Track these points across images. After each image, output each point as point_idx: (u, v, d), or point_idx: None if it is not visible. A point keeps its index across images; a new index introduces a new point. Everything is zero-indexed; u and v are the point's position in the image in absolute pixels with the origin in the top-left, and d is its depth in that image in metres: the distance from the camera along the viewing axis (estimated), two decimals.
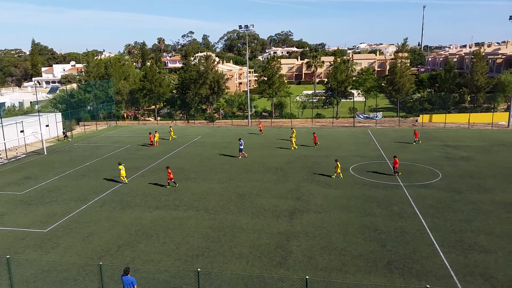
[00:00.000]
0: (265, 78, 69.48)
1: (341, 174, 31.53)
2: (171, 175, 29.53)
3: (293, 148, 41.97)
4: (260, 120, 67.16)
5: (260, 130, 54.58)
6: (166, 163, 37.35)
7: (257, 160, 38.15)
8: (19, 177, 33.54)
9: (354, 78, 75.31)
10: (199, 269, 14.85)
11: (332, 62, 70.96)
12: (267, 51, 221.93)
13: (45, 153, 42.53)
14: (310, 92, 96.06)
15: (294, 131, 46.35)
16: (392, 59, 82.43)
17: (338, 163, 31.36)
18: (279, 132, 54.96)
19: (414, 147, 42.61)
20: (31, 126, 49.84)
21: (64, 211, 25.34)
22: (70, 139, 51.24)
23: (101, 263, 15.56)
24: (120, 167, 31.08)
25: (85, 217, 24.26)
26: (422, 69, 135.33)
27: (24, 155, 42.24)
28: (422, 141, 45.64)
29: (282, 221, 22.96)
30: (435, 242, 19.94)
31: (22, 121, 48.85)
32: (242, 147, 38.60)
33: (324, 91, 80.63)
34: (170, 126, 48.60)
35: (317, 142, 43.69)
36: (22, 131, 47.99)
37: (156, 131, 47.33)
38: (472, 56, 68.98)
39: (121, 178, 30.73)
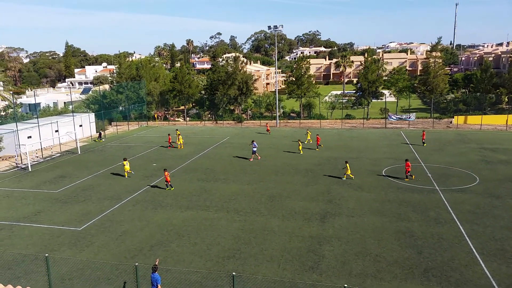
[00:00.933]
0: (294, 79, 69.13)
1: (351, 175, 31.35)
2: (168, 178, 29.49)
3: (302, 152, 41.04)
4: (288, 120, 66.88)
5: (267, 130, 55.65)
6: (196, 164, 37.71)
7: (286, 161, 38.00)
8: (54, 176, 34.61)
9: (385, 78, 73.87)
10: (234, 273, 14.77)
11: (362, 62, 69.95)
12: (294, 51, 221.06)
13: (79, 152, 43.75)
14: (339, 92, 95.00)
15: (309, 132, 45.62)
16: (424, 58, 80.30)
17: (347, 165, 31.29)
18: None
19: (450, 149, 41.29)
20: (65, 126, 51.45)
21: (98, 210, 25.89)
22: (103, 139, 52.54)
23: (136, 263, 15.73)
24: (125, 162, 33.11)
25: (119, 216, 24.71)
26: (455, 69, 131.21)
27: (59, 154, 43.59)
28: (457, 143, 44.18)
29: (313, 224, 22.68)
30: (474, 250, 19.16)
31: (57, 121, 50.48)
32: (255, 149, 38.11)
33: (354, 91, 79.58)
34: (177, 130, 46.24)
35: (320, 144, 43.11)
36: (57, 131, 49.58)
37: (179, 133, 46.85)
38: (510, 55, 66.22)
39: (126, 172, 33.09)
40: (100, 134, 52.82)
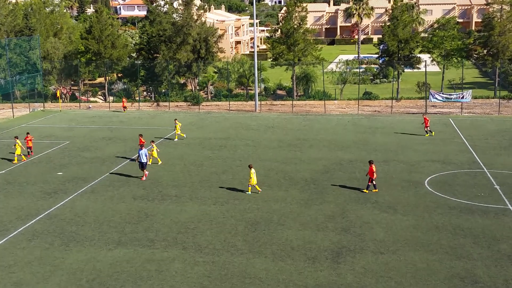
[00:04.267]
0: (281, 35, 69.25)
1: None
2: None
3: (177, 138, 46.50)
4: (273, 102, 67.16)
5: (123, 107, 61.85)
6: (128, 171, 37.37)
7: (274, 167, 38.05)
8: None
9: (424, 35, 75.11)
10: None
11: (387, 9, 70.90)
12: None
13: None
14: (351, 57, 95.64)
15: (178, 123, 47.58)
16: (484, 4, 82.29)
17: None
18: (306, 122, 54.99)
19: None
20: None
21: None
22: None
23: None
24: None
25: (6, 258, 24.18)
26: None
27: None
28: None
29: (321, 266, 22.88)
30: None
31: None
32: (145, 160, 35.65)
33: (376, 55, 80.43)
34: (176, 119, 48.09)
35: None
36: None
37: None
38: None
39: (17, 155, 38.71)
40: None
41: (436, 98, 60.66)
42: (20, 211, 30.15)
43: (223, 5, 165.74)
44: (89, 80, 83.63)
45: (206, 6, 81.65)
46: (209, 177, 36.06)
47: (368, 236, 25.91)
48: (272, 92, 73.19)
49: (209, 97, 72.06)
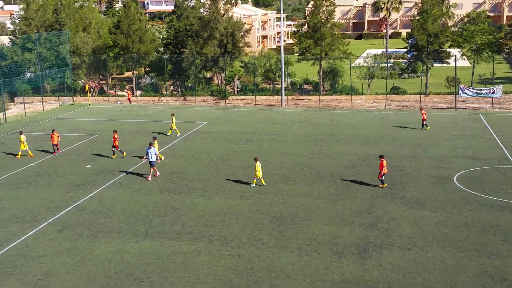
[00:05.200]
0: (309, 30, 69.01)
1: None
2: (117, 141, 37.56)
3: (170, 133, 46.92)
4: (300, 96, 67.02)
5: (128, 99, 65.60)
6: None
7: (300, 161, 38.12)
8: None
9: (454, 29, 74.18)
10: None
11: (416, 3, 70.20)
12: None
13: None
14: (379, 51, 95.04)
15: (174, 118, 47.39)
16: None
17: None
18: (332, 116, 54.82)
19: None
20: None
21: (1, 238, 25.80)
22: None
23: None
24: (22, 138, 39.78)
25: (36, 249, 24.63)
26: None
27: None
28: None
29: (348, 262, 22.87)
30: None
31: None
32: (153, 159, 34.77)
33: (404, 50, 79.77)
34: (172, 114, 48.13)
35: None
36: None
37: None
38: None
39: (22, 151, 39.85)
40: None
41: (466, 93, 60.05)
42: (50, 203, 30.71)
43: (249, 0, 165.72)
44: (117, 74, 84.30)
45: (233, 1, 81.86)
46: (235, 171, 36.23)
47: (395, 232, 25.81)
48: (298, 87, 72.98)
49: (236, 92, 72.12)
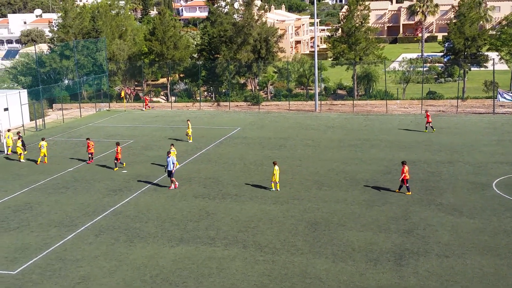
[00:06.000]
0: (343, 34, 68.79)
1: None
2: (119, 154, 38.16)
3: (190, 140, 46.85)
4: (333, 102, 66.83)
5: (146, 105, 66.47)
6: (190, 170, 38.01)
7: (335, 167, 38.05)
8: None
9: (492, 32, 73.06)
10: None
11: (453, 6, 69.36)
12: None
13: (6, 153, 44.46)
14: (414, 55, 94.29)
15: (190, 124, 47.26)
16: None
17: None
18: (367, 121, 54.53)
19: None
20: None
21: (40, 243, 26.26)
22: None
23: None
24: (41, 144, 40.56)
25: (74, 253, 25.06)
26: None
27: None
28: None
29: (383, 268, 22.74)
30: None
31: None
32: (171, 168, 34.09)
33: (441, 54, 78.85)
34: (188, 120, 48.48)
35: None
36: None
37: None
38: None
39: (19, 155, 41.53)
40: None
41: (505, 98, 59.15)
42: (87, 208, 31.20)
43: (283, 5, 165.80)
44: (152, 80, 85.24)
45: (266, 6, 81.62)
46: (269, 176, 36.06)
47: (433, 239, 25.59)
48: (332, 92, 72.77)
49: (269, 97, 72.22)
